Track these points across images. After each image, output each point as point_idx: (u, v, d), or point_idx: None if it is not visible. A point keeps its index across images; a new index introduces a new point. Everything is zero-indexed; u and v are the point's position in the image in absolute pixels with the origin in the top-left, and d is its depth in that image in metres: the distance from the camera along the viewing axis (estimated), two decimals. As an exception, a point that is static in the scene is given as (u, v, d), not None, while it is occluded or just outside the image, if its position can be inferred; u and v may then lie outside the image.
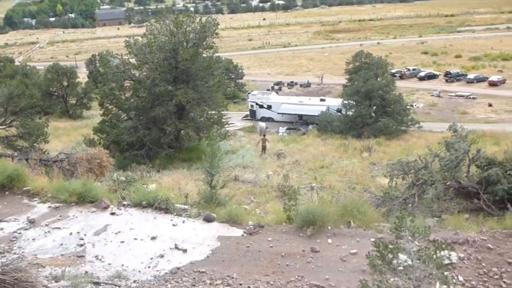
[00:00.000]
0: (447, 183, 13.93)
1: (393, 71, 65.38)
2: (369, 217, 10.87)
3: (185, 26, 25.78)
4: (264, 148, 31.75)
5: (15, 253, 9.21)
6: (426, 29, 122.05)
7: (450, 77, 64.67)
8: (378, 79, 42.92)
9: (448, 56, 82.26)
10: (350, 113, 39.63)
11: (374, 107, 38.93)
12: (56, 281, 7.33)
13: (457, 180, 13.79)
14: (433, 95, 57.36)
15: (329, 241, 9.70)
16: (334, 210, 10.81)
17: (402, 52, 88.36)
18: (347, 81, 53.48)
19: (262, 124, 42.99)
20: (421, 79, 66.73)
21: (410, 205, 13.27)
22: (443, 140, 14.85)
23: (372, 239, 9.36)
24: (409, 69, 69.92)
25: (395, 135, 36.53)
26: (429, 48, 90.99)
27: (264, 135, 34.83)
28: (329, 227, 10.14)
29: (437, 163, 15.24)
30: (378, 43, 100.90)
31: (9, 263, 6.15)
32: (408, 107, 41.92)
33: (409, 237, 7.12)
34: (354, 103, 39.15)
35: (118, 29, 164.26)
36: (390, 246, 7.16)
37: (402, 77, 66.93)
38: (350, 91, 40.86)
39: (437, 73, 68.62)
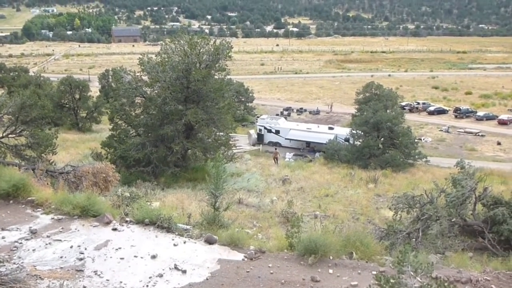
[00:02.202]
0: (452, 220, 13.79)
1: (403, 104, 65.63)
2: (372, 250, 10.75)
3: (199, 48, 26.17)
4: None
5: (14, 263, 9.16)
6: (437, 64, 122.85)
7: (460, 113, 64.72)
8: (388, 111, 43.06)
9: (458, 92, 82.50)
10: (357, 143, 39.66)
11: (382, 139, 38.94)
12: (53, 294, 7.28)
13: (462, 217, 13.65)
14: (441, 130, 57.35)
15: (330, 271, 9.58)
16: (336, 240, 10.71)
17: (413, 86, 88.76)
18: (356, 111, 53.68)
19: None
20: (431, 113, 66.84)
21: (413, 239, 13.13)
22: (450, 176, 14.78)
23: (374, 272, 9.23)
24: (419, 103, 70.10)
25: (401, 167, 36.40)
26: (440, 83, 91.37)
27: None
28: (331, 257, 10.03)
29: (443, 199, 15.13)
30: (389, 75, 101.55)
31: (8, 273, 6.14)
32: (416, 140, 41.89)
33: (412, 273, 7.03)
34: (362, 133, 39.21)
35: (133, 46, 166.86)
36: (391, 281, 7.07)
37: (411, 110, 67.11)
38: (359, 121, 40.96)
39: (447, 108, 68.74)
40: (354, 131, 40.11)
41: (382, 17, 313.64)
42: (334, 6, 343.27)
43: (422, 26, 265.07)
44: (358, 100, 56.36)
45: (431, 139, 53.11)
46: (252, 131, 51.07)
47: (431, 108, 67.99)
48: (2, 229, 10.90)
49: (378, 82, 59.53)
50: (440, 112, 67.26)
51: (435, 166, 38.20)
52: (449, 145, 51.06)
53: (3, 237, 10.46)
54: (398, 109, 48.60)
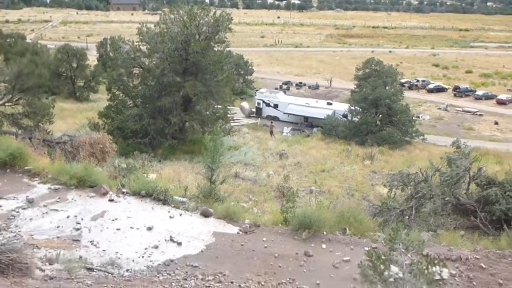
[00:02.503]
0: (446, 199, 13.94)
1: (403, 81, 65.19)
2: (365, 226, 10.92)
3: (198, 19, 25.80)
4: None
5: (12, 232, 9.27)
6: (439, 41, 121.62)
7: (459, 92, 64.50)
8: (387, 87, 42.85)
9: (458, 71, 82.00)
10: (355, 119, 39.64)
11: (380, 116, 38.91)
12: (50, 264, 7.40)
13: (456, 196, 13.81)
14: (440, 108, 57.26)
15: (323, 246, 9.74)
16: (330, 215, 10.86)
17: (413, 63, 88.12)
18: (355, 86, 53.39)
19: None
20: (430, 91, 66.58)
21: (406, 217, 13.30)
22: (445, 155, 14.87)
23: (366, 248, 9.39)
24: (418, 80, 69.76)
25: (398, 145, 36.50)
26: (441, 61, 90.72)
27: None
28: (324, 232, 10.18)
29: (437, 178, 15.25)
30: (390, 51, 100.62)
31: (5, 243, 6.22)
32: (414, 118, 41.84)
33: (403, 250, 7.16)
34: (360, 109, 39.15)
35: (132, 14, 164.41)
36: (382, 257, 7.20)
37: (411, 87, 66.82)
38: (358, 97, 40.83)
39: (446, 86, 68.43)
40: (353, 107, 40.04)
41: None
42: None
43: (425, 2, 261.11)
44: (357, 76, 55.89)
45: (429, 117, 53.09)
46: (244, 103, 51.16)
47: (431, 86, 67.69)
48: (0, 198, 10.99)
49: (378, 58, 58.88)
50: (440, 90, 67.00)
51: (432, 144, 38.30)
52: (447, 123, 51.09)
53: (0, 206, 10.55)
54: (397, 86, 48.33)
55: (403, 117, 38.45)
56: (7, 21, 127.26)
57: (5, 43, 71.43)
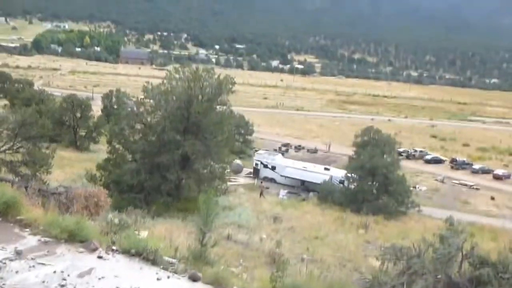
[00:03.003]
0: (438, 276, 13.77)
1: (400, 150, 65.84)
2: (354, 301, 10.76)
3: (202, 80, 26.63)
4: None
5: (-4, 284, 9.12)
6: (437, 113, 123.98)
7: (456, 164, 64.98)
8: (385, 156, 43.33)
9: (456, 143, 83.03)
10: (352, 186, 39.75)
11: (377, 184, 39.05)
12: (31, 322, 7.24)
13: (448, 274, 13.65)
14: (437, 180, 57.45)
15: (311, 320, 9.55)
16: (320, 287, 10.70)
17: (412, 133, 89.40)
18: (353, 153, 53.90)
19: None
20: (427, 162, 67.09)
21: (397, 293, 13.10)
22: (437, 232, 14.85)
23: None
24: (416, 151, 70.50)
25: (394, 215, 36.39)
26: (439, 132, 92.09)
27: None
28: (313, 305, 10.02)
29: (430, 253, 15.11)
30: (389, 120, 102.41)
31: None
32: (410, 188, 41.97)
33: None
34: (357, 177, 39.36)
35: (139, 68, 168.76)
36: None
37: (408, 157, 67.38)
38: (355, 165, 41.21)
39: (444, 158, 69.04)
40: (349, 174, 40.28)
41: (386, 62, 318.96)
42: (340, 47, 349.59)
43: (425, 74, 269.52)
44: (356, 142, 56.61)
45: (425, 188, 53.15)
46: (236, 161, 51.45)
47: (428, 157, 68.31)
48: (-12, 248, 10.88)
49: (377, 126, 59.62)
50: (437, 161, 67.54)
51: (427, 216, 38.14)
52: (443, 195, 51.05)
53: (-13, 256, 10.44)
54: (395, 156, 48.86)
55: (399, 187, 38.62)
56: (17, 67, 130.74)
57: (13, 88, 73.17)
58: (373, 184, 39.03)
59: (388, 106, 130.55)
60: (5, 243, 11.18)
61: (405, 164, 56.16)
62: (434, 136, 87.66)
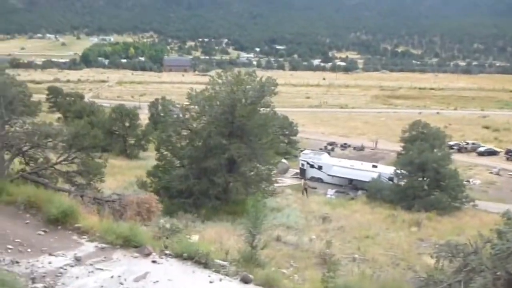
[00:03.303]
0: (497, 273, 13.21)
1: (451, 143, 63.79)
2: (410, 300, 10.52)
3: (245, 84, 26.88)
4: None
5: (58, 290, 9.59)
6: (489, 102, 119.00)
7: (512, 156, 62.19)
8: (435, 150, 42.07)
9: (511, 133, 79.40)
10: (402, 183, 38.82)
11: (428, 180, 37.93)
12: (93, 325, 7.58)
13: (508, 271, 13.05)
14: (492, 173, 55.15)
15: (365, 320, 9.46)
16: (373, 287, 10.56)
17: (462, 125, 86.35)
18: (402, 149, 52.70)
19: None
20: (481, 154, 64.56)
21: (455, 292, 12.68)
22: (494, 227, 14.26)
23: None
24: (468, 143, 68.00)
25: (447, 211, 35.13)
26: (491, 123, 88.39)
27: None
28: (367, 306, 9.91)
29: (488, 249, 14.55)
30: (438, 113, 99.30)
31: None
32: (464, 182, 40.48)
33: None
34: (406, 173, 38.39)
35: (183, 75, 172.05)
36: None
37: (460, 150, 65.09)
38: (404, 160, 40.23)
39: (498, 149, 66.19)
40: (399, 171, 39.35)
41: (432, 53, 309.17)
42: (383, 41, 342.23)
43: (473, 63, 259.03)
44: (404, 138, 55.33)
45: (480, 181, 51.12)
46: (284, 161, 51.54)
47: (481, 149, 65.71)
48: (49, 254, 11.43)
49: (425, 120, 58.37)
50: (491, 153, 64.82)
51: (483, 211, 36.63)
52: (499, 188, 48.90)
53: (49, 262, 10.96)
54: (445, 149, 47.33)
55: (452, 181, 37.31)
56: (68, 81, 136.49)
57: (65, 102, 76.56)
58: (423, 179, 37.92)
59: (435, 98, 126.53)
60: (65, 250, 11.76)
61: (457, 157, 54.35)
62: (486, 127, 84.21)
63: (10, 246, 11.64)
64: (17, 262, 10.72)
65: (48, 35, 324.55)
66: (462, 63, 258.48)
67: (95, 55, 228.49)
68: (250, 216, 12.23)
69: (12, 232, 12.59)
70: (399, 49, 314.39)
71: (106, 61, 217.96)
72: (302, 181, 44.29)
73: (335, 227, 26.81)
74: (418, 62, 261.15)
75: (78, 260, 11.23)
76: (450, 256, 14.74)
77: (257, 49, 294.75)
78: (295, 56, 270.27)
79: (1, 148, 17.84)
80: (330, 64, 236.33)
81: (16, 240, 12.05)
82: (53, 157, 19.89)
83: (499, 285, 13.01)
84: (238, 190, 26.77)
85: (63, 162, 19.37)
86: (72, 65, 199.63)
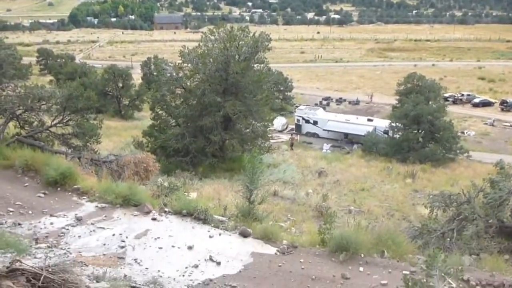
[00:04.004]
0: (489, 221, 13.58)
1: (446, 95, 63.74)
2: (404, 249, 10.81)
3: (238, 40, 26.46)
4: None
5: (61, 248, 9.82)
6: (485, 53, 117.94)
7: (506, 106, 62.30)
8: (430, 102, 42.10)
9: (506, 84, 79.28)
10: (397, 136, 39.06)
11: (422, 132, 38.17)
12: (97, 281, 7.82)
13: (500, 219, 13.42)
14: (486, 124, 55.48)
15: (361, 269, 9.74)
16: (368, 237, 10.84)
17: (458, 76, 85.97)
18: (397, 102, 52.68)
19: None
20: (475, 105, 64.73)
21: (448, 239, 13.05)
22: (487, 177, 14.53)
23: (405, 272, 9.35)
24: (463, 94, 67.98)
25: (441, 162, 35.60)
26: (487, 74, 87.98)
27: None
28: (362, 255, 10.19)
29: (481, 198, 14.87)
30: (433, 64, 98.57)
31: (58, 264, 6.69)
32: (458, 134, 40.79)
33: (442, 275, 7.13)
34: (401, 126, 38.57)
35: (175, 33, 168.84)
36: (419, 284, 7.20)
37: (455, 102, 65.18)
38: (399, 113, 40.30)
39: (493, 100, 66.31)
40: (394, 124, 39.52)
41: (427, 3, 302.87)
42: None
43: (470, 13, 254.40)
44: (399, 91, 55.15)
45: (474, 132, 51.53)
46: (279, 117, 51.53)
47: (476, 100, 65.79)
48: (51, 215, 11.64)
49: (420, 72, 57.96)
50: (486, 104, 64.94)
51: (477, 162, 37.15)
52: (493, 139, 49.35)
53: (51, 223, 11.19)
54: (440, 102, 47.31)
55: (447, 133, 37.59)
56: (57, 42, 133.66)
57: (56, 64, 75.38)
58: (418, 132, 38.17)
59: (431, 50, 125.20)
60: (66, 211, 11.97)
61: (452, 109, 54.51)
62: (482, 78, 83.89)
63: (11, 209, 11.84)
64: (19, 224, 10.94)
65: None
66: (458, 13, 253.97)
67: (83, 14, 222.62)
68: (247, 171, 12.35)
69: (12, 195, 12.75)
70: (394, 0, 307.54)
71: (95, 21, 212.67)
72: (290, 136, 45.05)
73: (331, 181, 27.17)
74: (414, 13, 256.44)
75: (79, 220, 11.47)
76: (443, 206, 15.12)
77: (250, 4, 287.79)
78: (288, 10, 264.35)
79: (-5, 112, 17.75)
80: (324, 17, 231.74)
81: (17, 203, 12.23)
82: (47, 120, 19.82)
83: (491, 232, 13.42)
84: (234, 147, 26.91)
85: (58, 125, 19.29)
86: (61, 25, 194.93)
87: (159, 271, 9.18)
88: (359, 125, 46.20)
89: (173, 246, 10.29)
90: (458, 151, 37.85)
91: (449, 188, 22.83)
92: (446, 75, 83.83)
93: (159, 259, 9.67)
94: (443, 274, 7.25)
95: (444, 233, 13.44)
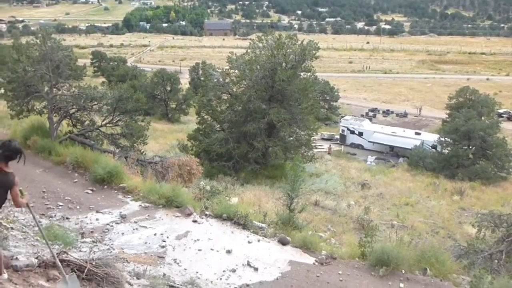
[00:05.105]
0: (542, 244, 12.89)
1: (501, 111, 61.26)
2: (448, 268, 10.40)
3: (286, 48, 26.54)
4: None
5: (105, 244, 10.14)
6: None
7: None
8: (482, 118, 40.59)
9: None
10: (445, 151, 37.82)
11: (473, 148, 36.77)
12: (137, 278, 8.00)
13: (553, 242, 12.72)
14: (542, 142, 52.72)
15: (401, 285, 9.47)
16: (411, 253, 10.53)
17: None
18: (447, 116, 51.10)
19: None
20: (532, 123, 61.73)
21: (495, 261, 12.48)
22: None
23: (448, 292, 9.02)
24: (519, 111, 65.09)
25: (492, 181, 34.06)
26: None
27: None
28: (403, 271, 9.90)
29: (533, 220, 14.15)
30: (488, 79, 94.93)
31: (101, 258, 6.92)
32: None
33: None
34: (451, 141, 37.31)
35: (223, 39, 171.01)
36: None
37: (510, 118, 62.46)
38: (449, 128, 39.01)
39: (551, 118, 63.05)
40: (443, 138, 38.29)
41: (484, 15, 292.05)
42: (432, 3, 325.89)
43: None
44: (450, 105, 53.53)
45: (529, 151, 49.07)
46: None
47: (532, 117, 62.86)
48: (97, 212, 12.08)
49: (474, 86, 56.10)
50: (544, 121, 61.91)
51: (530, 182, 35.40)
52: (550, 159, 46.82)
53: (97, 219, 11.59)
54: (494, 117, 45.52)
55: (499, 151, 35.99)
56: (111, 46, 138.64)
57: (109, 66, 78.29)
58: (469, 148, 36.78)
59: (486, 63, 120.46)
60: (111, 208, 12.36)
61: (507, 126, 52.25)
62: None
63: (60, 203, 12.38)
64: (67, 218, 11.41)
65: (91, 0, 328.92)
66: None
67: (136, 19, 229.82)
68: (289, 179, 12.33)
69: (62, 190, 13.34)
70: (449, 11, 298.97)
71: (148, 26, 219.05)
72: (328, 146, 46.03)
73: (374, 193, 26.61)
74: (469, 25, 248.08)
75: (123, 218, 11.82)
76: (492, 226, 14.50)
77: (299, 12, 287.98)
78: (338, 19, 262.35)
79: (50, 110, 18.62)
80: (374, 27, 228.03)
81: (66, 198, 12.78)
82: (98, 119, 20.63)
83: (543, 256, 12.71)
84: (277, 154, 26.87)
85: (108, 125, 20.03)
86: (115, 29, 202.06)
87: (197, 272, 9.28)
88: (406, 138, 45.14)
89: (212, 249, 10.39)
90: (511, 170, 36.19)
91: (499, 208, 21.86)
92: (501, 90, 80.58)
93: (197, 261, 9.78)
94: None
95: (492, 254, 12.86)
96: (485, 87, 73.72)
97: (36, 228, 9.86)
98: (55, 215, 11.49)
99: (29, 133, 18.11)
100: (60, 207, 12.12)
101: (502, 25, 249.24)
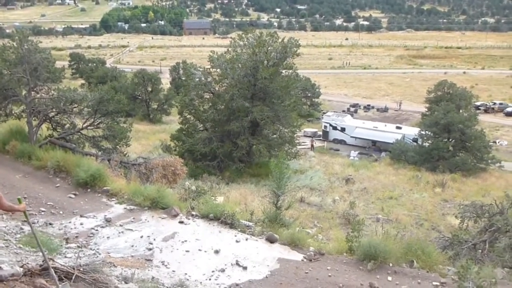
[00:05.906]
0: (524, 233, 13.12)
1: (478, 104, 62.39)
2: (434, 259, 10.54)
3: (267, 45, 26.55)
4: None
5: (91, 249, 9.97)
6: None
7: (541, 115, 60.50)
8: (460, 111, 41.24)
9: (541, 93, 76.99)
10: (426, 144, 38.35)
11: (453, 141, 37.36)
12: (125, 282, 7.88)
13: (535, 231, 12.96)
14: (519, 133, 53.98)
15: (389, 278, 9.55)
16: (397, 246, 10.63)
17: (490, 85, 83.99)
18: (426, 110, 51.80)
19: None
20: (508, 114, 63.06)
21: (479, 251, 12.68)
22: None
23: (435, 283, 9.13)
24: (495, 103, 66.34)
25: (472, 172, 34.72)
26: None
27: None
28: (391, 264, 9.99)
29: (514, 210, 14.42)
30: (464, 72, 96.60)
31: (89, 263, 6.80)
32: (490, 143, 39.75)
33: (474, 288, 6.94)
34: (431, 134, 37.84)
35: (203, 38, 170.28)
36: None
37: (487, 111, 63.68)
38: (429, 121, 39.57)
39: (527, 109, 64.46)
40: (423, 132, 38.82)
41: (459, 10, 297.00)
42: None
43: (503, 20, 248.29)
44: (429, 99, 54.26)
45: (507, 142, 50.14)
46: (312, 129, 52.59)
47: (509, 109, 64.10)
48: (81, 216, 11.85)
49: (451, 80, 57.00)
50: (519, 113, 63.29)
51: (509, 172, 36.13)
52: (527, 149, 47.97)
53: (81, 224, 11.38)
54: (471, 110, 46.31)
55: (478, 142, 36.66)
56: (89, 47, 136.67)
57: (87, 68, 77.20)
58: (449, 140, 37.38)
59: (462, 58, 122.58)
60: (96, 212, 12.16)
61: (484, 118, 53.30)
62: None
63: (43, 209, 12.12)
64: (51, 224, 11.17)
65: (67, 1, 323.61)
66: (491, 20, 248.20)
67: (114, 20, 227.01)
68: (274, 177, 12.32)
69: (44, 195, 13.06)
70: (425, 7, 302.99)
71: (126, 26, 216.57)
72: (311, 140, 46.35)
73: (358, 188, 26.83)
74: (445, 20, 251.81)
75: (108, 221, 11.63)
76: (475, 217, 14.71)
77: (278, 10, 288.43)
78: (317, 16, 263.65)
79: (29, 114, 18.23)
80: (353, 23, 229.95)
81: (48, 203, 12.52)
82: (79, 122, 20.28)
83: (526, 244, 12.94)
84: (261, 152, 26.90)
85: (89, 127, 19.70)
86: (92, 30, 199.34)
87: (186, 274, 9.20)
88: (388, 133, 45.62)
89: (200, 250, 10.31)
90: (489, 161, 36.88)
91: (480, 198, 22.23)
92: (477, 83, 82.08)
93: (186, 262, 9.70)
94: (475, 287, 7.06)
95: (475, 244, 13.07)
96: (462, 80, 74.99)
97: (19, 236, 9.68)
98: (37, 221, 11.23)
99: (7, 138, 17.67)
100: (42, 213, 11.87)
101: (476, 19, 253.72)
